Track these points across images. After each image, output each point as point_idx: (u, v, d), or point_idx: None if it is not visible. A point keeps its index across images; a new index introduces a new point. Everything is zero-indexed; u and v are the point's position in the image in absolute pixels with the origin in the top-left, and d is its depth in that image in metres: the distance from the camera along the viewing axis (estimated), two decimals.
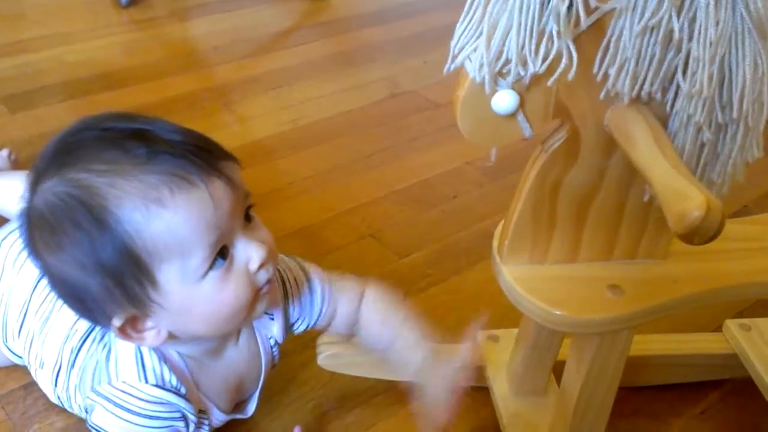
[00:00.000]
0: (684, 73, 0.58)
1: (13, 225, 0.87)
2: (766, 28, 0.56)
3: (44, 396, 0.86)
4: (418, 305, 1.06)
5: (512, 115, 0.60)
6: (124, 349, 0.71)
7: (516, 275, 0.71)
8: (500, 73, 0.58)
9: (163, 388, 0.70)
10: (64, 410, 0.86)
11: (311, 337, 0.93)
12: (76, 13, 1.84)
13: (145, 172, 0.60)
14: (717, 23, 0.55)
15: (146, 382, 0.69)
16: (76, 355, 0.75)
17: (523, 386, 0.88)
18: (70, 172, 0.62)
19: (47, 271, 0.66)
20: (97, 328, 0.75)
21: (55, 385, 0.79)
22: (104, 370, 0.71)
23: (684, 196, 0.51)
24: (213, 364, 0.75)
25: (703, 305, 0.73)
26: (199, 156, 0.62)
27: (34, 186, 0.64)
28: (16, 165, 1.17)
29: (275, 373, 0.84)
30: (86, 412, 0.75)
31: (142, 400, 0.69)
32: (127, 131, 0.63)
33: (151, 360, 0.70)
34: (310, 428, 0.89)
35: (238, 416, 0.81)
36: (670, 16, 0.55)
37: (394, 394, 0.91)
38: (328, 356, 0.92)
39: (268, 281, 0.68)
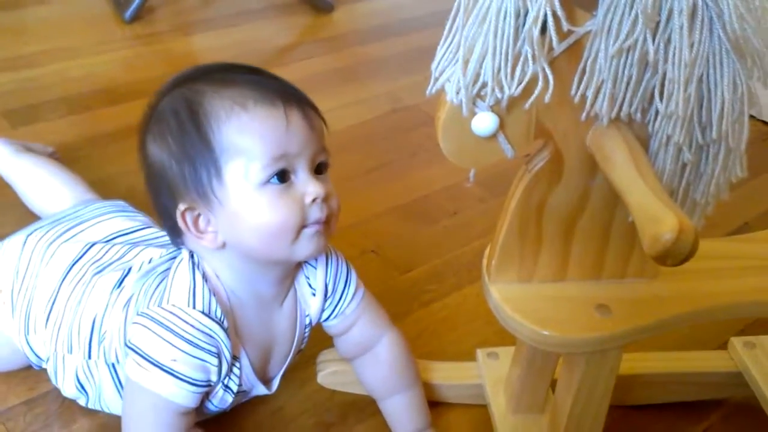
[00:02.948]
0: (661, 94, 0.58)
1: (39, 223, 0.92)
2: (744, 49, 0.56)
3: (45, 412, 0.87)
4: (419, 321, 1.07)
5: (493, 137, 0.61)
6: (179, 280, 0.75)
7: (504, 294, 0.71)
8: (479, 96, 0.59)
9: (208, 315, 0.73)
10: (64, 426, 0.86)
11: (312, 354, 0.93)
12: (79, 28, 1.84)
13: (243, 85, 0.72)
14: (692, 45, 0.55)
15: (194, 307, 0.73)
16: (125, 315, 0.79)
17: (520, 404, 0.88)
18: (192, 83, 0.73)
19: (146, 159, 0.76)
20: (149, 278, 0.80)
21: (89, 357, 0.82)
22: (157, 298, 0.76)
23: (657, 219, 0.51)
24: (255, 313, 0.79)
25: (692, 325, 0.73)
26: (292, 94, 0.73)
27: (165, 93, 0.75)
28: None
29: (277, 390, 0.84)
30: (113, 367, 0.80)
31: (187, 323, 0.73)
32: (246, 67, 0.76)
33: (203, 290, 0.74)
34: None
35: (263, 392, 0.83)
36: (645, 38, 0.55)
37: None
38: (328, 374, 0.92)
39: (317, 222, 0.73)
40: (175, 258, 0.78)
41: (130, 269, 0.82)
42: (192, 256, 0.76)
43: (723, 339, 0.98)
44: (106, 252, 0.86)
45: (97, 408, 0.86)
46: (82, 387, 0.84)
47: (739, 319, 1.06)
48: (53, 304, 0.84)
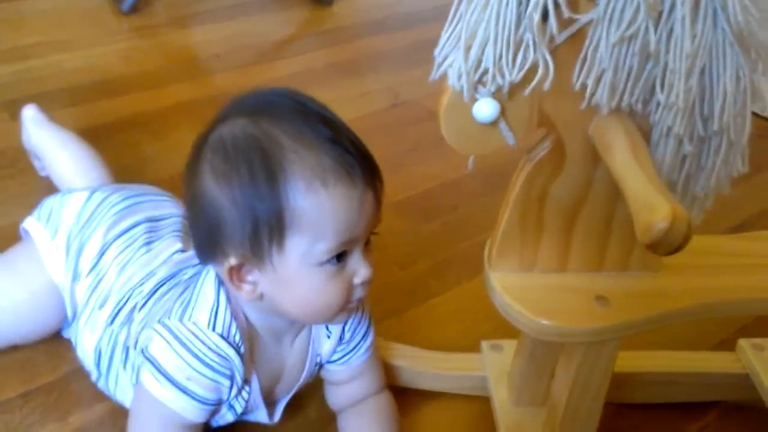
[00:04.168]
0: (662, 85, 0.58)
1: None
2: (748, 42, 0.56)
3: (41, 405, 0.87)
4: (419, 316, 1.06)
5: (494, 124, 0.61)
6: (203, 297, 0.75)
7: (504, 283, 0.71)
8: (480, 82, 0.58)
9: (226, 340, 0.73)
10: (60, 418, 0.85)
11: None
12: (77, 19, 1.84)
13: (324, 152, 0.67)
14: (694, 36, 0.55)
15: (213, 329, 0.73)
16: (150, 296, 0.82)
17: (522, 396, 0.88)
18: (264, 122, 0.68)
19: (197, 190, 0.70)
20: (180, 276, 0.82)
21: (111, 323, 0.83)
22: (178, 309, 0.75)
23: (651, 207, 0.51)
24: (269, 345, 0.79)
25: (692, 320, 0.72)
26: (369, 168, 0.69)
27: (224, 117, 0.70)
28: None
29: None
30: (133, 351, 0.79)
31: (204, 344, 0.73)
32: (319, 115, 0.70)
33: (224, 314, 0.74)
34: None
35: (264, 420, 0.83)
36: (647, 28, 0.55)
37: (404, 413, 0.90)
38: None
39: (359, 300, 0.74)
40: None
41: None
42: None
43: (720, 337, 0.98)
44: (161, 229, 0.88)
45: (102, 388, 0.86)
46: (99, 358, 0.84)
47: (737, 318, 1.05)
48: (101, 257, 0.86)
